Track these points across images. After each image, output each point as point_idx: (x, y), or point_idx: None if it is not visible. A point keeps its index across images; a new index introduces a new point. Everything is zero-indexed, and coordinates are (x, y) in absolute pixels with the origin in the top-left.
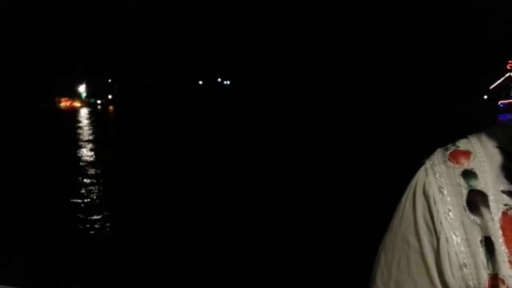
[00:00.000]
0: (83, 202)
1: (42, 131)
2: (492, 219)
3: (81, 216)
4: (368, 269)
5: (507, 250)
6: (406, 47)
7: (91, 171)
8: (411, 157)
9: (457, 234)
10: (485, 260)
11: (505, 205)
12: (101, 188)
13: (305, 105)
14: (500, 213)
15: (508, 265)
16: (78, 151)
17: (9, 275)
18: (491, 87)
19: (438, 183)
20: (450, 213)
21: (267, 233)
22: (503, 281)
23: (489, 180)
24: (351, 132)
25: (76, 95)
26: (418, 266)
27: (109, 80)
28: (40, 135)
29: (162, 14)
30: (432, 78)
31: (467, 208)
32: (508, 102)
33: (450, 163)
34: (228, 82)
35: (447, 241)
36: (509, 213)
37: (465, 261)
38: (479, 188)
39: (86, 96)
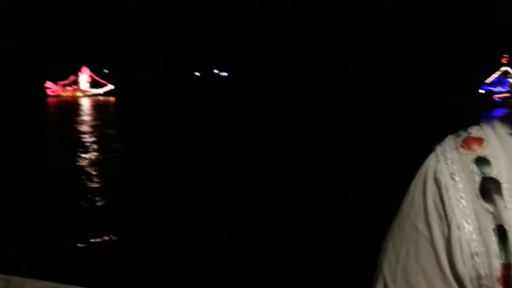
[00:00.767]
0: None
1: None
2: (506, 207)
3: (83, 211)
4: (368, 268)
5: None
6: (399, 40)
7: (91, 170)
8: (409, 152)
9: (469, 222)
10: (497, 249)
11: None
12: (101, 184)
13: (303, 98)
14: None
15: None
16: (77, 147)
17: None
18: (486, 81)
19: (449, 170)
20: (462, 201)
21: (265, 231)
22: None
23: (502, 168)
24: (347, 125)
25: (78, 85)
26: (428, 253)
27: (107, 71)
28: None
29: (160, 7)
30: (425, 72)
31: (479, 196)
32: (504, 96)
33: (462, 150)
34: (226, 73)
35: (458, 229)
36: None
37: (477, 249)
38: (492, 175)
39: (89, 86)
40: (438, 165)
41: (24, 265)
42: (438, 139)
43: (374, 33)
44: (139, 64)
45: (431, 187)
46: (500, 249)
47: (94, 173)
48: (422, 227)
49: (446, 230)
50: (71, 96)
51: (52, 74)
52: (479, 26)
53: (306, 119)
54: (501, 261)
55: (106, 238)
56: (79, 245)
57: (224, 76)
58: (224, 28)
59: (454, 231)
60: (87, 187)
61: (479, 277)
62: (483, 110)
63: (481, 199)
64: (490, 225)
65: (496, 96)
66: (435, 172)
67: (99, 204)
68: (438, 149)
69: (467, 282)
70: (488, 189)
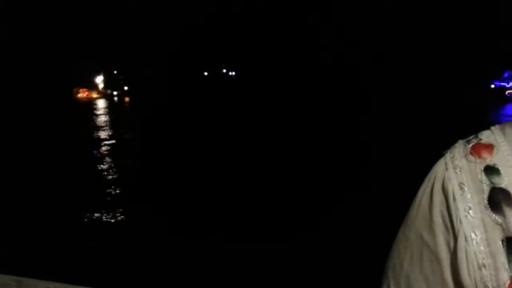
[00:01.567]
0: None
1: (60, 122)
2: None
3: (89, 208)
4: (367, 268)
5: None
6: (409, 33)
7: (102, 166)
8: (418, 149)
9: (477, 233)
10: (506, 262)
11: None
12: (110, 182)
13: (308, 98)
14: None
15: None
16: (92, 147)
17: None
18: (498, 76)
19: (458, 179)
20: (471, 211)
21: (265, 232)
22: None
23: None
24: (355, 123)
25: (93, 86)
26: (431, 263)
27: (115, 72)
28: (57, 125)
29: (170, 7)
30: (436, 68)
31: (488, 207)
32: None
33: (471, 157)
34: (233, 73)
35: (466, 240)
36: None
37: (484, 261)
38: (502, 185)
39: (103, 87)
40: (447, 173)
41: (27, 266)
42: (448, 139)
43: (383, 30)
44: (148, 64)
45: (438, 196)
46: (509, 262)
47: (102, 177)
48: (427, 236)
49: (451, 241)
50: (87, 97)
51: (73, 77)
52: (490, 20)
53: (311, 118)
54: (510, 274)
55: (110, 239)
56: (85, 246)
57: (232, 76)
58: (233, 28)
59: (461, 242)
60: (100, 179)
61: None
62: (494, 106)
63: (490, 210)
64: (498, 237)
65: (508, 92)
66: (443, 181)
67: (104, 205)
68: (448, 156)
69: None
70: (497, 200)
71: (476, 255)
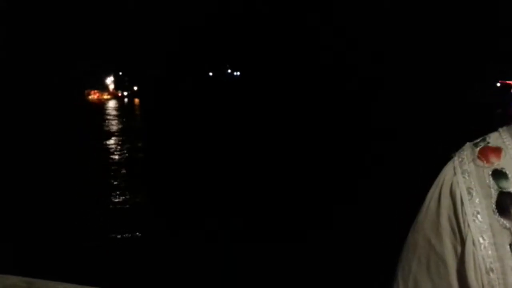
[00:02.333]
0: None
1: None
2: None
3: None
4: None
5: None
6: (413, 32)
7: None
8: (423, 150)
9: (484, 238)
10: None
11: None
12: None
13: (312, 96)
14: None
15: None
16: (101, 145)
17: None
18: (503, 74)
19: (467, 184)
20: (479, 216)
21: (269, 231)
22: None
23: None
24: (361, 123)
25: (104, 88)
26: (438, 266)
27: (120, 73)
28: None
29: (174, 8)
30: (440, 67)
31: (496, 211)
32: None
33: (479, 162)
34: (238, 73)
35: (473, 244)
36: None
37: (492, 265)
38: (510, 190)
39: (114, 88)
40: (455, 178)
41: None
42: (452, 139)
43: (383, 30)
44: (153, 65)
45: (446, 201)
46: None
47: (106, 179)
48: (434, 240)
49: (458, 245)
50: (98, 99)
51: (85, 79)
52: (494, 17)
53: (314, 121)
54: None
55: (114, 237)
56: (88, 246)
57: (237, 76)
58: (233, 28)
59: (469, 247)
60: (106, 184)
61: None
62: (499, 103)
63: (498, 214)
64: (506, 241)
65: None
66: (451, 185)
67: (107, 205)
68: (456, 160)
69: None
70: (506, 204)
71: (484, 259)
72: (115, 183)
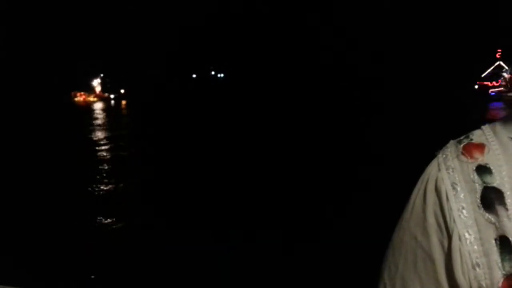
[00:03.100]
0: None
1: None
2: (509, 217)
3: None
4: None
5: None
6: (413, 32)
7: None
8: (410, 152)
9: (470, 233)
10: (499, 260)
11: None
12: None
13: (301, 99)
14: None
15: None
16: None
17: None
18: (482, 76)
19: (451, 179)
20: (464, 211)
21: (267, 232)
22: None
23: (505, 175)
24: (348, 124)
25: (90, 90)
26: (425, 263)
27: (102, 75)
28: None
29: (160, 11)
30: (423, 68)
31: (481, 206)
32: (498, 91)
33: (463, 158)
34: (222, 75)
35: (459, 239)
36: None
37: (478, 260)
38: (494, 185)
39: (100, 90)
40: (439, 174)
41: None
42: (438, 138)
43: (383, 30)
44: (139, 67)
45: (431, 197)
46: (502, 260)
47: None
48: (420, 237)
49: (445, 241)
50: (84, 101)
51: (70, 80)
52: (477, 21)
53: (303, 120)
54: (503, 272)
55: (111, 240)
56: (86, 246)
57: (221, 78)
58: (222, 29)
59: (455, 242)
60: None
61: None
62: (478, 104)
63: (483, 209)
64: (492, 236)
65: (491, 90)
66: (436, 181)
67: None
68: (440, 157)
69: None
70: (490, 199)
71: (470, 254)
72: (110, 183)
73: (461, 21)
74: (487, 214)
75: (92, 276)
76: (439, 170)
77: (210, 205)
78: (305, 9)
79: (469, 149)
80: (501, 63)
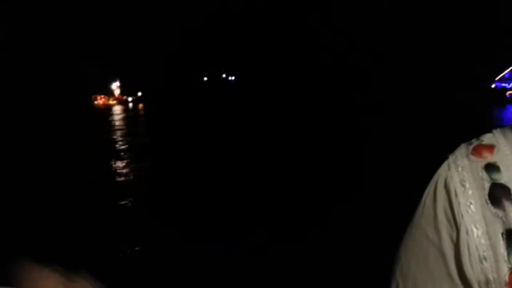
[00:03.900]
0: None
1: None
2: None
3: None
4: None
5: None
6: (405, 33)
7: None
8: (415, 151)
9: (478, 227)
10: (505, 254)
11: None
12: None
13: (309, 100)
14: None
15: None
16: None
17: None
18: (498, 77)
19: (460, 177)
20: (472, 206)
21: (265, 241)
22: None
23: None
24: (353, 124)
25: (110, 93)
26: (436, 260)
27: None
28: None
29: (169, 14)
30: (435, 69)
31: (489, 202)
32: None
33: (472, 157)
34: (233, 77)
35: (467, 233)
36: None
37: (485, 254)
38: (502, 181)
39: (119, 94)
40: (449, 172)
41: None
42: (448, 143)
43: (382, 32)
44: (152, 71)
45: (441, 194)
46: (509, 254)
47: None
48: (431, 234)
49: (454, 236)
50: (104, 104)
51: (91, 84)
52: (491, 20)
53: (304, 121)
54: (509, 266)
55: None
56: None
57: (232, 81)
58: (232, 32)
59: (463, 236)
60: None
61: (487, 282)
62: (495, 107)
63: (490, 204)
64: (499, 230)
65: (509, 93)
66: (445, 179)
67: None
68: (451, 157)
69: (475, 286)
70: (498, 194)
71: (477, 248)
72: (122, 186)
73: (473, 20)
74: (494, 209)
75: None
76: (449, 169)
77: (209, 205)
78: (305, 9)
79: (479, 150)
80: None
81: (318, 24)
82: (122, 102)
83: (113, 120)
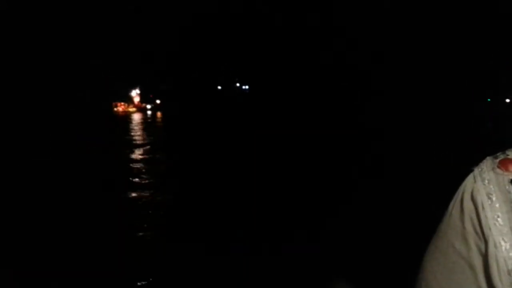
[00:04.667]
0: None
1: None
2: None
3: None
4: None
5: None
6: (413, 32)
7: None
8: (412, 152)
9: (505, 240)
10: None
11: None
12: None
13: (321, 108)
14: None
15: None
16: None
17: None
18: None
19: (486, 190)
20: (499, 219)
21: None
22: None
23: None
24: (363, 125)
25: (129, 100)
26: (464, 271)
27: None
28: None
29: (185, 23)
30: (442, 66)
31: None
32: None
33: (499, 170)
34: (247, 86)
35: (495, 246)
36: None
37: None
38: None
39: (139, 101)
40: (475, 185)
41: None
42: (439, 142)
43: (374, 31)
44: (166, 79)
45: (468, 206)
46: None
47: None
48: (459, 245)
49: (483, 247)
50: (124, 111)
51: (112, 91)
52: (504, 29)
53: (322, 126)
54: None
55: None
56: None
57: (246, 90)
58: (243, 41)
59: (491, 249)
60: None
61: None
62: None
63: None
64: None
65: None
66: (472, 192)
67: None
68: (476, 170)
69: None
70: None
71: (505, 261)
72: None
73: (487, 30)
74: None
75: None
76: (475, 181)
77: (232, 213)
78: (305, 9)
79: (505, 163)
80: None
81: (319, 24)
82: (141, 109)
83: (131, 129)
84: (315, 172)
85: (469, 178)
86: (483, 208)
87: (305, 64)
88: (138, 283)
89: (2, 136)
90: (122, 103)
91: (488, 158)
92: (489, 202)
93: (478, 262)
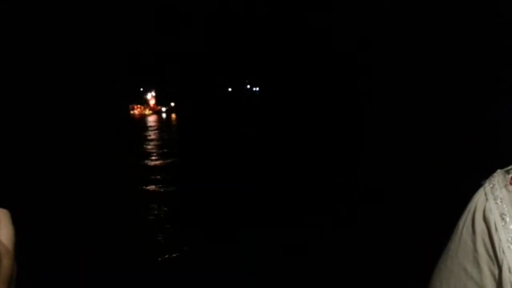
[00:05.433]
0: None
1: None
2: None
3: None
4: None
5: None
6: (414, 32)
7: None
8: (424, 150)
9: None
10: None
11: None
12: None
13: (332, 108)
14: None
15: None
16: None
17: None
18: None
19: (499, 210)
20: None
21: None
22: None
23: None
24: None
25: (145, 102)
26: None
27: (141, 89)
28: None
29: (198, 24)
30: (442, 67)
31: None
32: None
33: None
34: (257, 88)
35: (510, 271)
36: None
37: None
38: None
39: (154, 104)
40: (487, 204)
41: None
42: (439, 145)
43: (375, 31)
44: (180, 81)
45: (480, 227)
46: None
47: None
48: (470, 268)
49: (496, 272)
50: (140, 114)
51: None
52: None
53: (331, 136)
54: None
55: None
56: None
57: (256, 91)
58: (254, 42)
59: (505, 274)
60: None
61: None
62: None
63: None
64: None
65: None
66: (484, 211)
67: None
68: (487, 186)
69: None
70: None
71: None
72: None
73: (487, 28)
74: None
75: None
76: (487, 199)
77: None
78: (306, 9)
79: None
80: None
81: (318, 24)
82: (156, 112)
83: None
84: (323, 173)
85: (480, 195)
86: (496, 229)
87: (316, 65)
88: (159, 258)
89: (17, 138)
90: (138, 106)
91: (499, 172)
92: (503, 223)
93: (491, 287)
